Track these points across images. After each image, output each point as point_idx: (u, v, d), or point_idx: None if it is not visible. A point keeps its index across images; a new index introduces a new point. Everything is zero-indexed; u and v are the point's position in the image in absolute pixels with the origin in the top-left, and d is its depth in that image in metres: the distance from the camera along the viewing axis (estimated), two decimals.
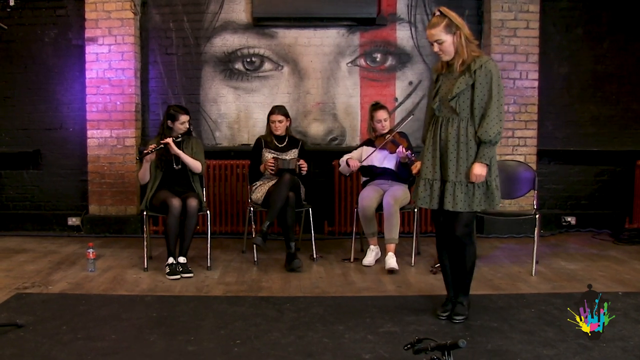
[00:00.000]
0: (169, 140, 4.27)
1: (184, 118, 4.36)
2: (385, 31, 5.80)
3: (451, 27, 2.99)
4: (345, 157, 4.68)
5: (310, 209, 4.69)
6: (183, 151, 4.34)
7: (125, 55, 5.55)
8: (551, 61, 5.81)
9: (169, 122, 4.36)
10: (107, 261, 4.57)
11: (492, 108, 2.99)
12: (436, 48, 3.05)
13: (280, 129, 4.65)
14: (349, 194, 5.61)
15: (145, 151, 4.25)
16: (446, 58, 3.07)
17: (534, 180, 4.39)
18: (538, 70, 5.61)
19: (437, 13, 3.03)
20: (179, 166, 4.40)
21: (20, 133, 5.84)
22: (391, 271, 4.20)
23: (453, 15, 3.01)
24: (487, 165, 3.04)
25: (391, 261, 4.23)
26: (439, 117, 3.13)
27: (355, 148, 4.85)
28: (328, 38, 5.78)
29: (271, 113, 4.67)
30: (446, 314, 3.22)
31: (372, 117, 4.62)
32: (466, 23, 3.09)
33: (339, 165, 4.77)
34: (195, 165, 4.37)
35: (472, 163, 3.04)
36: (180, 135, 4.36)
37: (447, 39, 3.01)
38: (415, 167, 3.29)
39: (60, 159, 5.84)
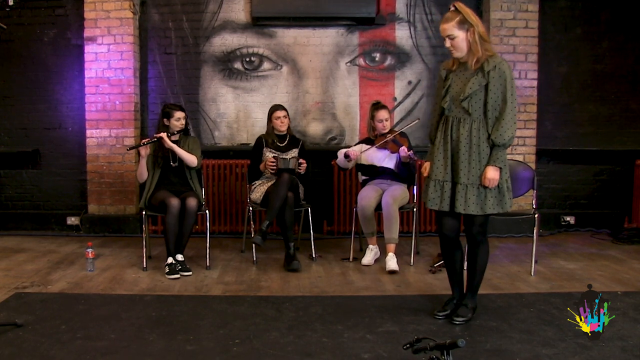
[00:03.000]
0: (163, 134, 4.28)
1: (179, 114, 4.37)
2: (384, 31, 5.80)
3: (464, 24, 2.94)
4: (344, 150, 4.65)
5: (309, 209, 4.69)
6: (180, 149, 4.36)
7: (124, 54, 5.55)
8: (550, 61, 5.81)
9: (165, 120, 4.38)
10: (106, 261, 4.57)
11: (507, 111, 2.96)
12: (448, 43, 2.99)
13: (285, 124, 4.66)
14: (348, 193, 5.61)
15: (143, 141, 4.27)
16: (457, 54, 3.01)
17: (533, 179, 4.39)
18: (537, 69, 5.61)
19: (452, 8, 2.98)
20: (176, 163, 4.40)
21: (19, 132, 5.83)
22: (391, 272, 4.20)
23: (467, 11, 2.95)
24: (500, 168, 3.01)
25: (391, 262, 4.23)
26: (449, 117, 3.08)
27: (354, 145, 4.83)
28: (327, 37, 5.78)
29: (274, 110, 4.67)
30: (444, 313, 3.19)
31: (372, 117, 4.61)
32: None
33: (337, 158, 4.73)
34: (190, 159, 4.37)
35: (485, 166, 3.00)
36: (175, 132, 4.36)
37: (460, 35, 2.95)
38: (425, 169, 3.22)
39: (60, 158, 5.83)
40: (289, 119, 4.75)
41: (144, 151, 4.28)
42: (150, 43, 5.78)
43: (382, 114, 4.58)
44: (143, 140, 4.31)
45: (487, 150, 3.02)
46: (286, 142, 4.71)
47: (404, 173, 4.58)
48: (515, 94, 3.00)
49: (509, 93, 2.96)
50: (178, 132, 4.39)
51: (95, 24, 5.52)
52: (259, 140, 4.73)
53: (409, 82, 5.83)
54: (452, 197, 3.07)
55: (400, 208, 4.43)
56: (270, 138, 4.69)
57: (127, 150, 4.90)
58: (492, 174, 2.98)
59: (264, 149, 4.67)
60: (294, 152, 4.69)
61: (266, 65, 5.80)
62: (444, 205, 3.07)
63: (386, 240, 4.32)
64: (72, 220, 5.77)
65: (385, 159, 4.59)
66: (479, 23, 2.96)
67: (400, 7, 5.78)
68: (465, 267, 3.26)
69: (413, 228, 4.64)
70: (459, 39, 2.96)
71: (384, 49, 5.81)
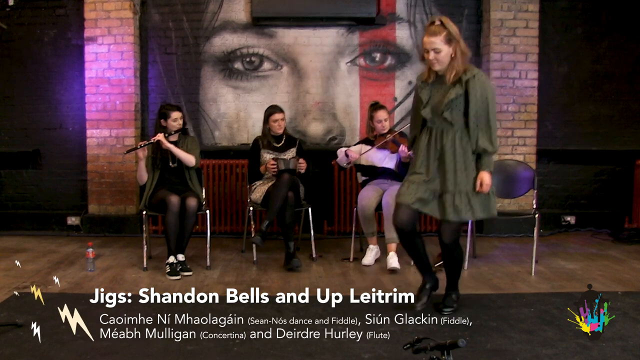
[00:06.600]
0: (160, 136, 4.28)
1: (176, 115, 4.36)
2: (384, 31, 5.80)
3: (450, 39, 3.00)
4: (344, 148, 4.66)
5: (309, 209, 4.69)
6: (179, 149, 4.36)
7: (124, 54, 5.55)
8: (550, 61, 5.81)
9: (162, 120, 4.38)
10: (106, 261, 4.57)
11: (491, 120, 3.05)
12: (431, 56, 3.02)
13: (282, 127, 4.65)
14: (348, 193, 5.61)
15: (140, 144, 4.29)
16: (437, 68, 3.06)
17: (533, 179, 4.39)
18: (537, 69, 5.61)
19: (438, 22, 3.02)
20: (175, 164, 4.40)
21: (20, 132, 5.83)
22: (393, 271, 4.20)
23: (453, 28, 3.02)
24: (491, 172, 3.09)
25: (393, 261, 4.23)
26: (432, 128, 3.15)
27: (353, 146, 4.82)
28: (327, 37, 5.77)
29: (271, 113, 4.64)
30: (422, 302, 3.24)
31: (371, 117, 4.61)
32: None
33: (337, 157, 4.73)
34: (188, 159, 4.36)
35: (477, 173, 3.07)
36: (173, 132, 4.36)
37: (445, 49, 3.00)
38: None
39: (60, 158, 5.83)
40: (285, 120, 4.75)
41: (142, 153, 4.27)
42: (151, 43, 5.78)
43: (381, 114, 4.57)
44: (140, 143, 4.31)
45: (472, 157, 3.09)
46: (282, 142, 4.70)
47: (405, 173, 4.56)
48: (495, 101, 3.08)
49: (490, 102, 3.04)
50: (176, 132, 4.39)
51: (96, 24, 5.52)
52: (256, 142, 4.71)
53: (410, 82, 5.83)
54: (438, 205, 3.11)
55: None
56: (266, 139, 4.67)
57: (125, 153, 4.89)
58: (488, 179, 3.06)
59: (261, 151, 4.66)
60: (292, 152, 4.69)
61: (266, 65, 5.80)
62: (415, 203, 3.10)
63: (387, 240, 4.32)
64: (72, 220, 5.76)
65: (385, 159, 4.58)
66: (461, 39, 3.05)
67: (401, 7, 5.78)
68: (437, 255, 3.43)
69: None
70: (443, 53, 3.01)
71: (384, 49, 5.81)
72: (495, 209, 3.17)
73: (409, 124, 4.58)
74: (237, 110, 5.85)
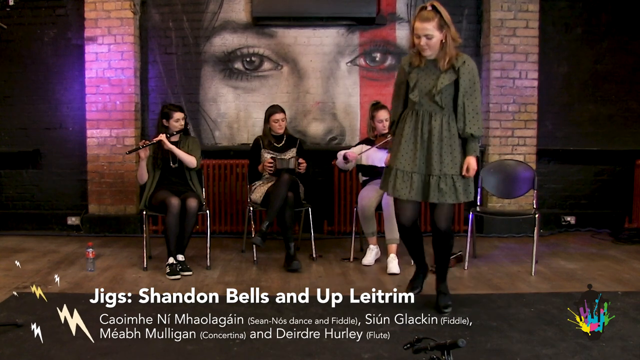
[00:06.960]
0: (162, 136, 4.28)
1: (178, 115, 4.37)
2: (384, 30, 5.80)
3: (442, 25, 3.02)
4: (343, 151, 4.65)
5: (309, 209, 4.69)
6: (180, 150, 4.36)
7: (124, 54, 5.55)
8: (551, 61, 5.81)
9: (164, 120, 4.39)
10: (106, 261, 4.57)
11: (478, 105, 3.12)
12: (423, 42, 3.04)
13: (282, 127, 4.65)
14: (348, 193, 5.61)
15: (141, 143, 4.29)
16: (428, 53, 3.09)
17: (533, 179, 4.40)
18: (537, 69, 5.61)
19: (429, 7, 3.03)
20: (176, 164, 4.41)
21: (20, 132, 5.83)
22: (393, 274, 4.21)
23: (445, 13, 3.03)
24: (477, 158, 3.19)
25: (392, 265, 4.22)
26: (419, 111, 3.16)
27: (354, 146, 4.83)
28: (327, 37, 5.77)
29: (272, 113, 4.65)
30: (417, 290, 3.39)
31: (372, 117, 4.61)
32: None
33: (336, 159, 4.74)
34: (190, 160, 4.37)
35: (464, 157, 3.14)
36: (175, 133, 4.37)
37: (437, 35, 3.03)
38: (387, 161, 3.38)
39: (60, 158, 5.83)
40: (286, 120, 4.75)
41: (144, 153, 4.28)
42: (151, 43, 5.78)
43: (382, 114, 4.57)
44: (141, 143, 4.32)
45: (458, 141, 3.14)
46: (283, 142, 4.70)
47: None
48: (479, 87, 3.17)
49: (477, 88, 3.11)
50: (177, 132, 4.39)
51: (96, 23, 5.52)
52: (256, 142, 4.72)
53: None
54: (424, 189, 3.16)
55: None
56: (267, 139, 4.68)
57: (127, 153, 4.89)
58: (475, 164, 3.15)
59: (262, 150, 4.66)
60: (292, 152, 4.69)
61: (266, 65, 5.80)
62: (412, 195, 3.16)
63: (387, 241, 4.32)
64: (72, 220, 5.76)
65: (386, 159, 4.57)
66: (452, 24, 3.07)
67: (401, 7, 5.78)
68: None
69: None
70: (435, 39, 3.04)
71: (385, 49, 5.81)
72: (473, 193, 3.26)
73: None
74: (237, 110, 5.85)
